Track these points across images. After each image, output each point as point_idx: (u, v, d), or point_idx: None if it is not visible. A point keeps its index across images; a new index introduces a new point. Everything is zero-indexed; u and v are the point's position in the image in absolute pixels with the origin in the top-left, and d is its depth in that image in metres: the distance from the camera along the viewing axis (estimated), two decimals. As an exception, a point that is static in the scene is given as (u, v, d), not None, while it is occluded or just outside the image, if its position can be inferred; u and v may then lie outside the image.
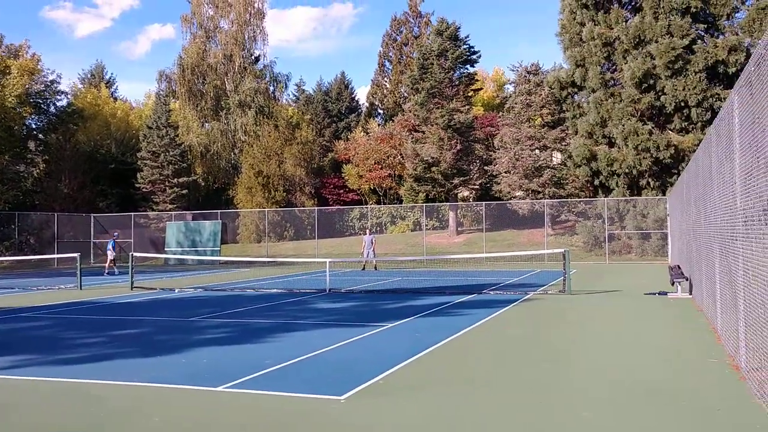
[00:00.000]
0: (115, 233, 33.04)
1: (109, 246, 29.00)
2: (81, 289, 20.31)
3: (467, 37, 43.69)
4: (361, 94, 77.56)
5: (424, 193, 43.02)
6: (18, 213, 40.22)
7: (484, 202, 39.44)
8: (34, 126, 47.47)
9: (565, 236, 37.24)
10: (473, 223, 45.02)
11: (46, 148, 47.02)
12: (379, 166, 48.73)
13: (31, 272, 31.78)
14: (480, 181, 43.04)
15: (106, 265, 28.85)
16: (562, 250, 18.03)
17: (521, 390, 6.86)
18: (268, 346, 9.78)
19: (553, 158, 40.45)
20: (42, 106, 46.44)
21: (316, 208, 44.00)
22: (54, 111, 47.41)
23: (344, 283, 21.13)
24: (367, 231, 30.89)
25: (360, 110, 62.15)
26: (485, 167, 42.84)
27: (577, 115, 34.33)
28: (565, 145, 38.35)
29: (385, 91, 59.84)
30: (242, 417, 6.01)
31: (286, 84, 58.30)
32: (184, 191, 48.06)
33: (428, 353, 8.89)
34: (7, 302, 17.04)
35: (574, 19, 33.65)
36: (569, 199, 37.48)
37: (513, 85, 44.43)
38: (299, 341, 10.14)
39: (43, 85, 45.61)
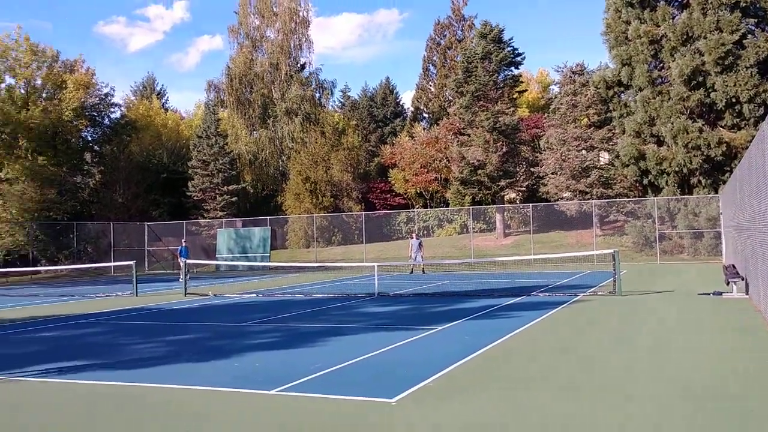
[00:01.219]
0: (183, 241, 33.77)
1: (182, 253, 29.53)
2: (137, 295, 20.88)
3: (511, 39, 43.42)
4: (406, 99, 77.65)
5: (471, 196, 42.85)
6: (76, 223, 41.54)
7: (531, 204, 39.06)
8: (89, 138, 49.09)
9: (614, 237, 36.63)
10: (520, 225, 44.63)
11: (101, 159, 48.53)
12: (425, 170, 48.73)
13: (90, 280, 32.78)
14: (526, 183, 42.67)
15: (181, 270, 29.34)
16: (612, 250, 17.77)
17: (573, 393, 6.85)
18: (318, 350, 9.94)
19: (601, 158, 39.84)
20: (97, 118, 47.99)
21: (363, 212, 44.26)
22: (108, 123, 48.94)
23: (392, 286, 21.23)
24: (414, 234, 30.97)
25: (405, 115, 62.28)
26: (531, 169, 42.46)
27: (624, 114, 33.76)
28: (612, 145, 37.73)
29: (429, 95, 59.85)
30: (295, 420, 6.16)
31: (331, 91, 58.85)
32: (234, 198, 48.91)
33: (478, 356, 8.92)
34: (68, 309, 17.65)
35: (620, 17, 33.13)
36: (618, 199, 36.84)
37: (558, 85, 43.91)
38: (349, 345, 10.29)
39: (97, 98, 47.10)
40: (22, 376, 8.48)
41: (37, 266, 36.15)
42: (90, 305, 18.69)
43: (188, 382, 7.83)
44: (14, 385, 8.07)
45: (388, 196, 52.64)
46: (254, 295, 20.32)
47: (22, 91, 43.42)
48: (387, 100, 61.77)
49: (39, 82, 44.28)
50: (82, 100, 44.42)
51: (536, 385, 7.20)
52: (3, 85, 42.87)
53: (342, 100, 63.77)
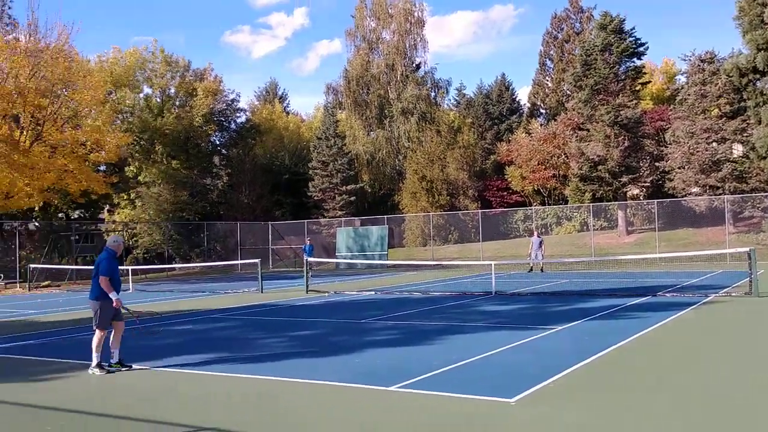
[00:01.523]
0: (308, 239, 35.04)
1: (306, 250, 30.69)
2: (262, 292, 21.83)
3: (633, 29, 41.67)
4: (522, 95, 76.34)
5: (591, 193, 41.52)
6: (206, 223, 43.97)
7: (656, 200, 37.34)
8: (217, 142, 51.93)
9: (749, 234, 34.32)
10: (644, 222, 42.73)
11: (228, 162, 51.14)
12: (543, 167, 47.72)
13: (219, 277, 34.58)
14: (651, 179, 40.80)
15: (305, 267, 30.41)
16: (747, 249, 16.72)
17: (698, 403, 6.57)
18: (436, 348, 10.04)
19: (734, 151, 37.41)
20: (224, 123, 50.68)
21: (479, 210, 43.97)
22: (234, 127, 51.58)
23: (510, 285, 21.00)
24: (535, 232, 30.42)
25: (521, 111, 61.23)
26: (656, 163, 40.55)
27: (761, 103, 31.59)
28: (746, 137, 35.35)
29: (546, 90, 58.53)
30: (415, 416, 6.30)
31: (446, 89, 58.84)
32: (352, 198, 50.00)
33: (600, 357, 8.70)
34: (199, 305, 18.75)
35: (754, 0, 31.00)
36: (754, 194, 34.47)
37: (685, 75, 41.68)
38: (467, 343, 10.32)
39: (224, 104, 49.71)
40: (163, 367, 9.15)
41: (171, 263, 38.57)
42: (219, 301, 19.75)
43: (310, 376, 8.15)
44: (156, 376, 8.74)
45: (505, 193, 51.97)
46: (372, 292, 20.72)
47: (158, 100, 46.51)
48: (503, 96, 60.96)
49: (172, 90, 47.30)
50: (211, 106, 46.99)
51: (659, 392, 6.95)
52: (141, 95, 46.14)
53: (457, 98, 63.62)
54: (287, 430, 6.10)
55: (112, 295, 8.88)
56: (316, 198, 50.19)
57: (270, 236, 44.13)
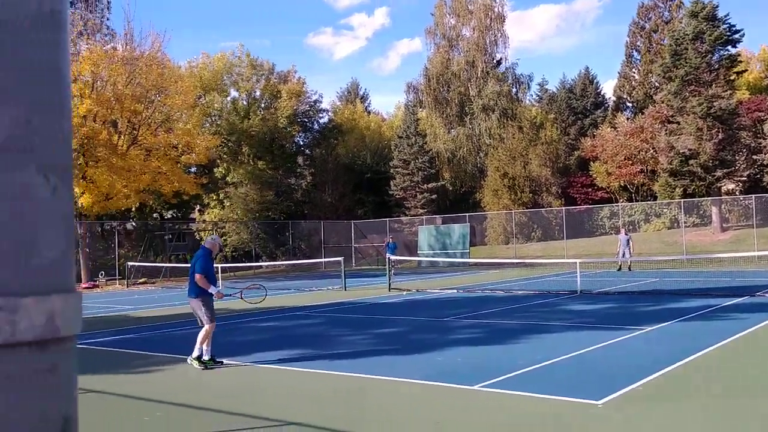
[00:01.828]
0: (391, 238, 35.30)
1: (389, 249, 30.92)
2: (345, 289, 22.16)
3: (727, 15, 39.72)
4: (607, 89, 74.08)
5: (682, 188, 39.93)
6: (291, 221, 44.99)
7: (753, 195, 35.51)
8: (301, 143, 53.02)
9: None
10: (740, 218, 40.73)
11: (311, 161, 52.14)
12: (630, 162, 46.24)
13: (303, 274, 35.32)
14: (748, 173, 38.83)
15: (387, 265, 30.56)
16: None
17: (802, 404, 6.25)
18: (519, 347, 9.95)
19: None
20: (307, 124, 51.70)
21: (563, 207, 43.06)
22: (317, 128, 52.53)
23: (596, 284, 20.51)
24: (622, 230, 29.56)
25: (606, 105, 59.51)
26: (754, 156, 38.57)
27: None
28: None
29: (633, 82, 56.65)
30: (499, 416, 6.28)
31: (528, 85, 57.92)
32: (434, 196, 49.98)
33: (694, 360, 8.39)
34: (285, 302, 19.24)
35: None
36: None
37: (786, 62, 39.46)
38: (551, 343, 10.17)
39: (307, 106, 50.72)
40: (251, 362, 9.47)
41: (258, 261, 39.66)
42: (304, 298, 20.20)
43: (393, 373, 8.24)
44: (244, 371, 9.05)
45: (590, 190, 50.69)
46: (454, 290, 20.69)
47: (244, 103, 47.93)
48: (587, 90, 59.42)
49: (258, 93, 48.64)
50: (295, 107, 48.04)
51: (762, 398, 6.66)
52: (229, 98, 47.67)
53: (539, 93, 62.49)
54: (371, 426, 6.21)
55: (212, 290, 9.22)
56: (397, 196, 50.45)
57: (353, 235, 44.68)
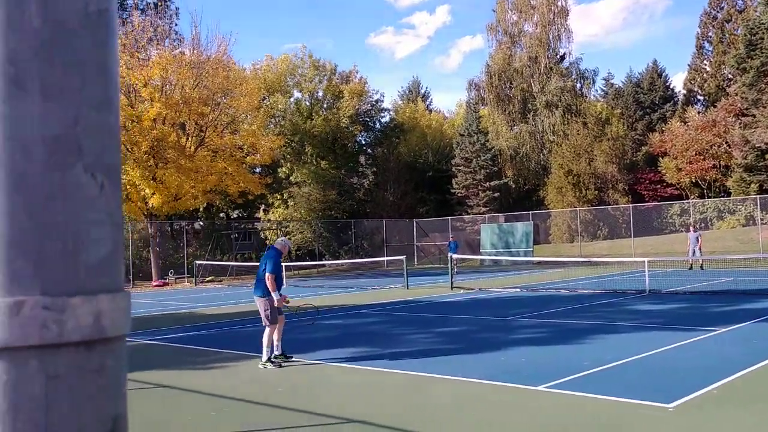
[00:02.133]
0: (451, 236, 35.23)
1: (451, 247, 30.82)
2: (407, 288, 22.17)
3: (807, 1, 37.96)
4: (677, 82, 71.79)
5: (757, 184, 38.37)
6: (353, 220, 45.33)
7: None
8: (363, 142, 53.33)
9: None
10: (823, 215, 38.79)
11: (373, 161, 52.40)
12: (701, 157, 44.69)
13: (366, 273, 35.51)
14: (831, 167, 37.00)
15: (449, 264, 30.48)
16: None
17: None
18: (585, 348, 9.73)
19: None
20: (369, 123, 51.96)
21: (630, 205, 41.95)
22: (379, 127, 52.75)
23: (665, 283, 19.88)
24: (691, 228, 28.60)
25: (676, 99, 57.67)
26: (837, 150, 36.71)
27: None
28: None
29: (704, 75, 54.70)
30: (564, 418, 6.15)
31: (593, 79, 56.66)
32: (496, 194, 49.49)
33: (768, 363, 8.04)
34: (348, 300, 19.38)
35: None
36: None
37: None
38: (618, 344, 9.91)
39: (369, 105, 50.97)
40: (315, 360, 9.57)
41: (321, 260, 40.11)
42: (367, 296, 20.30)
43: (455, 372, 8.19)
44: (309, 368, 9.15)
45: (659, 186, 49.24)
46: (518, 289, 20.42)
47: (307, 103, 48.54)
48: (655, 84, 57.72)
49: (320, 93, 49.17)
50: (356, 107, 48.34)
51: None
52: (292, 99, 48.37)
53: (605, 88, 61.09)
54: (433, 425, 6.17)
55: (274, 295, 9.28)
56: (459, 195, 50.17)
57: (415, 233, 44.67)
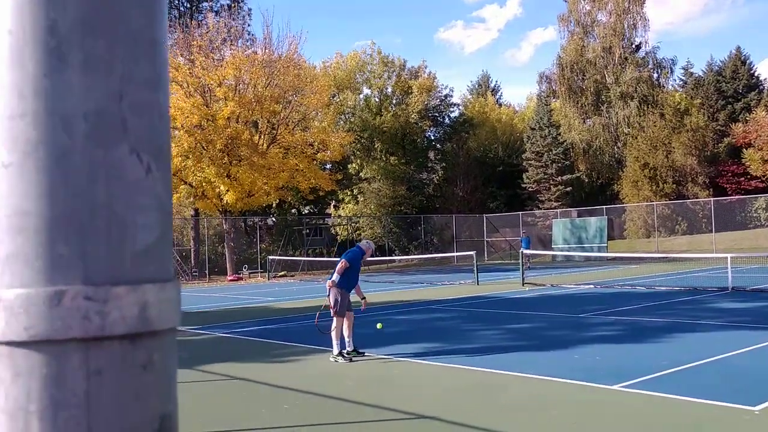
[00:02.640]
0: (523, 232, 34.80)
1: (523, 243, 30.49)
2: (477, 284, 21.98)
3: None
4: (762, 69, 68.48)
5: None
6: (423, 216, 45.30)
7: None
8: (432, 137, 53.22)
9: None
10: None
11: (443, 156, 52.20)
12: (790, 148, 42.55)
13: (436, 268, 35.45)
14: None
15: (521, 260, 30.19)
16: None
17: None
18: (662, 347, 9.42)
19: None
20: (438, 118, 51.80)
21: (711, 198, 40.34)
22: (448, 122, 52.52)
23: (750, 281, 19.03)
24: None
25: (761, 87, 55.05)
26: None
27: None
28: None
29: (793, 60, 52.02)
30: (640, 418, 5.98)
31: (671, 69, 54.72)
32: (568, 189, 48.50)
33: None
34: (419, 295, 19.38)
35: None
36: None
37: None
38: (698, 343, 9.56)
39: (438, 100, 50.81)
40: (385, 355, 9.62)
41: (391, 256, 40.26)
42: (437, 292, 20.25)
43: (528, 370, 8.07)
44: (379, 363, 9.21)
45: (742, 179, 47.15)
46: (591, 286, 19.97)
47: (376, 100, 48.78)
48: (738, 72, 55.26)
49: (389, 90, 49.32)
50: (425, 103, 48.27)
51: None
52: (361, 96, 48.71)
53: (683, 77, 58.92)
54: (504, 423, 6.11)
55: (330, 283, 9.43)
56: (530, 189, 49.41)
57: (485, 228, 44.27)
